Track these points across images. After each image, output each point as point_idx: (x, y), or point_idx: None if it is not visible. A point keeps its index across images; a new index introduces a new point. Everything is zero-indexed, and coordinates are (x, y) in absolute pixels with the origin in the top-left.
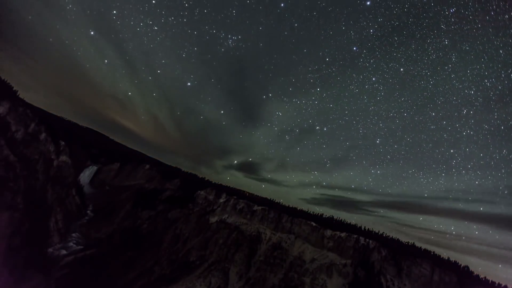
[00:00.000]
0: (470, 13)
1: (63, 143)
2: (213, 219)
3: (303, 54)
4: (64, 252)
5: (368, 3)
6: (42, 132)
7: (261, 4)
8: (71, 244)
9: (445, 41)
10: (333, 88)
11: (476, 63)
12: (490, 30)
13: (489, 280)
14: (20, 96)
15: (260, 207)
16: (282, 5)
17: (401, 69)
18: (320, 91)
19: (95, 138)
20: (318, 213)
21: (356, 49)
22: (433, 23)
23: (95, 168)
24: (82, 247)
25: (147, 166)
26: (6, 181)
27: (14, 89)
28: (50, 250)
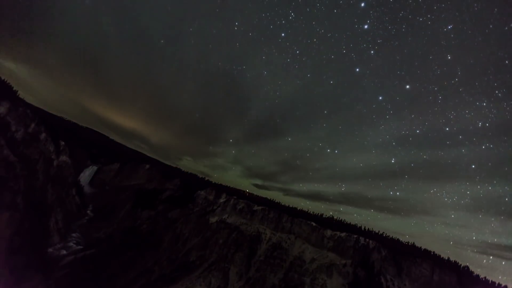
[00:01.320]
0: (468, 28)
1: (63, 143)
2: (213, 219)
3: (307, 78)
4: (64, 252)
5: (366, 26)
6: (42, 132)
7: (263, 35)
8: (71, 244)
9: (447, 56)
10: (340, 110)
11: (484, 75)
12: (492, 42)
13: (489, 280)
14: (20, 96)
15: (260, 207)
16: (282, 34)
17: (407, 86)
18: (327, 113)
19: (95, 138)
20: (318, 213)
21: (359, 70)
22: (433, 40)
23: (95, 168)
24: (82, 247)
25: (147, 166)
26: (6, 181)
27: (14, 89)
28: (50, 250)
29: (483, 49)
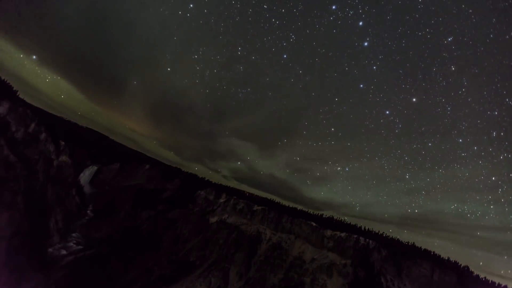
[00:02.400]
0: (469, 39)
1: (63, 143)
2: (213, 219)
3: (312, 97)
4: (64, 252)
5: (366, 44)
6: (42, 132)
7: (265, 57)
8: (71, 244)
9: (451, 68)
10: (347, 126)
11: (491, 84)
12: (495, 51)
13: (489, 280)
14: (20, 96)
15: (260, 207)
16: (284, 56)
17: (413, 99)
18: (334, 131)
19: (95, 138)
20: (318, 213)
21: (363, 86)
22: (434, 53)
23: (95, 168)
24: (82, 247)
25: (147, 166)
26: (6, 181)
27: (14, 89)
28: (50, 250)
29: (487, 58)
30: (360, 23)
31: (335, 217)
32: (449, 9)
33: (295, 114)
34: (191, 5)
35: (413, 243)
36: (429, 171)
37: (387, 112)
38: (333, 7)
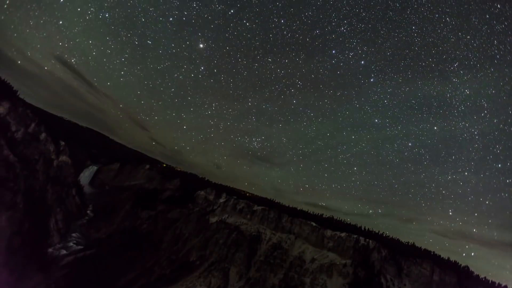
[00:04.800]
0: (475, 62)
1: (63, 143)
2: (213, 219)
3: (328, 137)
4: (64, 252)
5: (372, 80)
6: (42, 132)
7: (276, 105)
8: (71, 244)
9: (466, 91)
10: (371, 164)
11: None
12: (507, 70)
13: (489, 280)
14: (20, 96)
15: (260, 207)
16: (294, 101)
17: (435, 128)
18: (358, 169)
19: (95, 138)
20: (318, 213)
21: (378, 121)
22: (443, 80)
23: (95, 168)
24: (82, 247)
25: (147, 166)
26: (6, 181)
27: (14, 89)
28: (50, 250)
29: (501, 78)
30: (362, 62)
31: (335, 217)
32: (447, 38)
33: (313, 157)
34: (202, 68)
35: (413, 243)
36: (474, 205)
37: (410, 144)
38: (333, 51)
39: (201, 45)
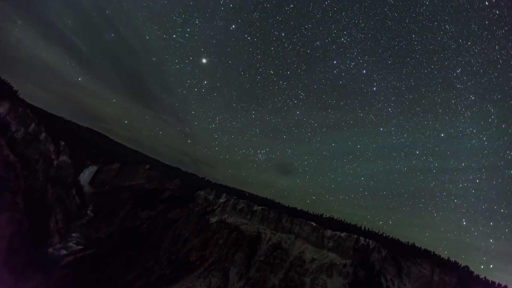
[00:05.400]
0: (478, 68)
1: (63, 143)
2: (213, 219)
3: (332, 147)
4: (64, 252)
5: (374, 88)
6: (42, 132)
7: (279, 116)
8: (71, 244)
9: (471, 97)
10: (378, 174)
11: None
12: (511, 75)
13: (489, 280)
14: (20, 96)
15: (260, 207)
16: (297, 112)
17: (442, 135)
18: (365, 180)
19: (95, 138)
20: (318, 213)
21: (383, 129)
22: (447, 86)
23: (95, 168)
24: (82, 247)
25: (147, 166)
26: (6, 181)
27: (14, 89)
28: (50, 250)
29: (506, 82)
30: (364, 71)
31: (335, 217)
32: (447, 45)
33: (318, 168)
34: (205, 82)
35: (413, 243)
36: (488, 213)
37: (417, 152)
38: (334, 61)
39: (204, 60)
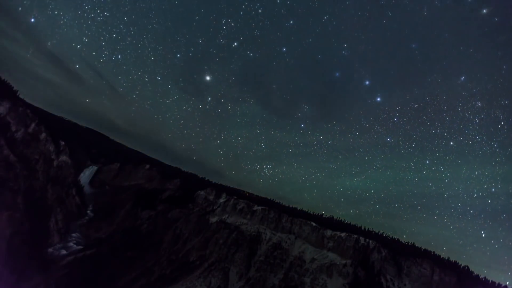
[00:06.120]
0: (482, 74)
1: (63, 143)
2: (213, 219)
3: (339, 160)
4: (64, 252)
5: (378, 99)
6: (42, 132)
7: (284, 130)
8: (71, 244)
9: (478, 104)
10: (388, 186)
11: None
12: None
13: (489, 280)
14: (20, 96)
15: (260, 207)
16: (302, 125)
17: (451, 143)
18: (375, 192)
19: (95, 138)
20: (318, 213)
21: (390, 139)
22: (452, 93)
23: (95, 168)
24: (82, 247)
25: (147, 166)
26: (6, 181)
27: (14, 89)
28: (50, 250)
29: (510, 91)
30: (367, 82)
31: (335, 217)
32: (449, 53)
33: (326, 182)
34: (209, 98)
35: (413, 243)
36: (508, 224)
37: (427, 161)
38: (337, 74)
39: (208, 77)
